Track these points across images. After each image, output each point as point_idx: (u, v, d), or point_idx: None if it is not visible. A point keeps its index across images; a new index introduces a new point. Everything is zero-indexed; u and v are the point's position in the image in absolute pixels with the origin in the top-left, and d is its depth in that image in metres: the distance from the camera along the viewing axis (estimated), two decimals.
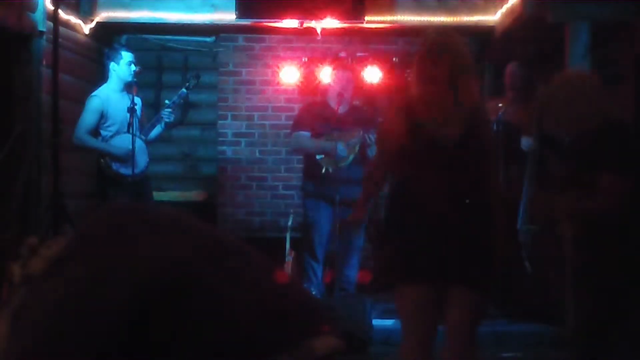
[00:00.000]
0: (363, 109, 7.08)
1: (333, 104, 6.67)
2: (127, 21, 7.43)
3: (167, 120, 6.66)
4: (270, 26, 7.58)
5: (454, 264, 3.53)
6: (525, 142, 6.45)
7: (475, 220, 3.56)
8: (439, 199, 3.53)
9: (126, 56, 6.52)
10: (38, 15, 6.12)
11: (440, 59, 3.59)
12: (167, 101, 6.83)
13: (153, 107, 7.74)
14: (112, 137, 6.46)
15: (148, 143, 6.63)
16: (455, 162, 3.57)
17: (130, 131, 6.31)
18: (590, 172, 3.73)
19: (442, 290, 3.58)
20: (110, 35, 7.82)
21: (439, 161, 3.57)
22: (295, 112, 7.33)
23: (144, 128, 6.62)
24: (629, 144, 3.80)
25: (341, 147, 6.52)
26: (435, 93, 3.60)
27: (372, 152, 6.60)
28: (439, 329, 3.69)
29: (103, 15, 7.36)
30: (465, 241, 3.53)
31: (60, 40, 5.84)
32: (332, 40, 7.87)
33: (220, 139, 8.27)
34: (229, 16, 7.31)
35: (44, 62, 6.17)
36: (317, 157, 6.60)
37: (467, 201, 3.56)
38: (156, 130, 6.68)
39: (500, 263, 3.65)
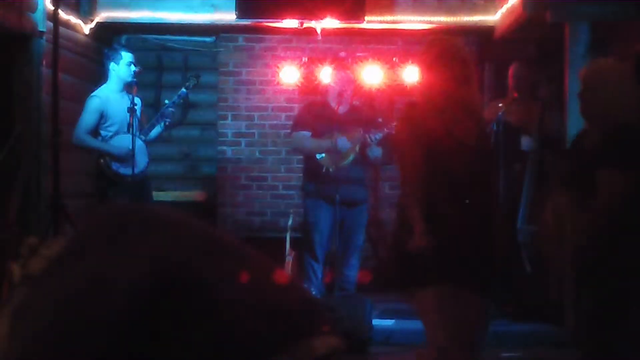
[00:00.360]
0: (363, 109, 7.08)
1: (333, 104, 6.66)
2: (127, 21, 7.44)
3: (168, 119, 6.64)
4: (270, 26, 7.58)
5: (462, 267, 3.56)
6: (525, 142, 6.45)
7: (477, 221, 3.59)
8: (451, 204, 3.56)
9: (126, 56, 6.52)
10: (38, 15, 6.12)
11: (452, 63, 3.64)
12: (166, 101, 6.82)
13: (153, 107, 7.74)
14: (111, 137, 6.45)
15: (148, 143, 6.62)
16: (469, 164, 3.60)
17: (130, 131, 6.31)
18: (592, 172, 3.72)
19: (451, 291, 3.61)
20: (110, 35, 7.83)
21: (456, 164, 3.60)
22: (295, 112, 7.33)
23: (144, 128, 6.61)
24: (630, 142, 3.77)
25: (342, 141, 6.50)
26: (449, 97, 3.65)
27: (372, 152, 6.59)
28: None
29: (103, 15, 7.36)
30: (469, 244, 3.55)
31: (60, 40, 5.84)
32: (332, 40, 7.88)
33: (220, 139, 8.27)
34: (229, 16, 7.31)
35: (44, 62, 6.17)
36: (318, 156, 6.59)
37: (467, 201, 3.59)
38: (156, 130, 6.67)
39: (501, 263, 3.67)
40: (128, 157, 6.30)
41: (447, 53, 3.69)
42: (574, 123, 5.54)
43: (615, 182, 3.67)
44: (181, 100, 6.85)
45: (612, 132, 3.74)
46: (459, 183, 3.60)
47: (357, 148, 6.55)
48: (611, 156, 3.69)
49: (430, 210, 3.62)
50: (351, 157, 6.55)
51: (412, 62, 6.75)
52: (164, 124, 6.65)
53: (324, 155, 6.56)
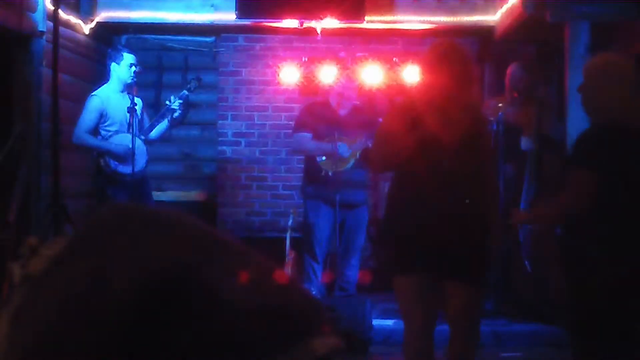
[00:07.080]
0: (364, 111, 7.07)
1: (334, 105, 6.65)
2: (127, 21, 7.44)
3: (175, 108, 6.59)
4: (270, 26, 7.58)
5: (450, 260, 3.68)
6: (525, 142, 6.45)
7: (473, 219, 3.68)
8: (437, 197, 3.65)
9: (127, 58, 6.50)
10: (38, 15, 6.13)
11: (453, 64, 3.75)
12: (167, 102, 6.81)
13: (153, 107, 7.74)
14: (111, 136, 6.45)
15: (151, 142, 6.63)
16: (457, 163, 3.69)
17: (130, 131, 6.30)
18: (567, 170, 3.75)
19: (438, 281, 3.75)
20: (110, 35, 7.83)
21: (438, 161, 3.70)
22: (296, 112, 7.33)
23: (144, 128, 6.61)
24: (607, 141, 3.68)
25: (343, 147, 6.49)
26: (443, 96, 3.73)
27: None
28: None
29: (103, 15, 7.36)
30: (461, 240, 3.66)
31: (60, 40, 5.84)
32: (332, 40, 7.88)
33: (220, 139, 8.27)
34: (229, 16, 7.32)
35: (44, 62, 6.18)
36: (318, 159, 6.58)
37: (467, 201, 3.70)
38: (161, 127, 6.64)
39: (495, 261, 3.84)
40: (128, 156, 6.29)
41: (448, 54, 3.79)
42: (574, 123, 5.54)
43: (581, 181, 3.59)
44: (182, 102, 6.84)
45: (591, 130, 3.75)
46: (448, 179, 3.71)
47: (357, 154, 6.54)
48: (580, 155, 3.66)
49: (415, 198, 3.75)
50: (352, 162, 6.54)
51: (412, 62, 6.78)
52: (171, 117, 6.60)
53: (324, 158, 6.55)
